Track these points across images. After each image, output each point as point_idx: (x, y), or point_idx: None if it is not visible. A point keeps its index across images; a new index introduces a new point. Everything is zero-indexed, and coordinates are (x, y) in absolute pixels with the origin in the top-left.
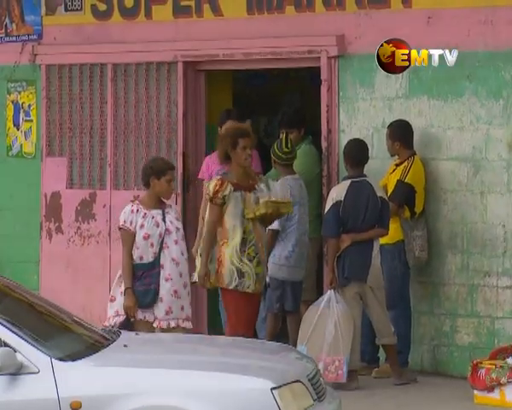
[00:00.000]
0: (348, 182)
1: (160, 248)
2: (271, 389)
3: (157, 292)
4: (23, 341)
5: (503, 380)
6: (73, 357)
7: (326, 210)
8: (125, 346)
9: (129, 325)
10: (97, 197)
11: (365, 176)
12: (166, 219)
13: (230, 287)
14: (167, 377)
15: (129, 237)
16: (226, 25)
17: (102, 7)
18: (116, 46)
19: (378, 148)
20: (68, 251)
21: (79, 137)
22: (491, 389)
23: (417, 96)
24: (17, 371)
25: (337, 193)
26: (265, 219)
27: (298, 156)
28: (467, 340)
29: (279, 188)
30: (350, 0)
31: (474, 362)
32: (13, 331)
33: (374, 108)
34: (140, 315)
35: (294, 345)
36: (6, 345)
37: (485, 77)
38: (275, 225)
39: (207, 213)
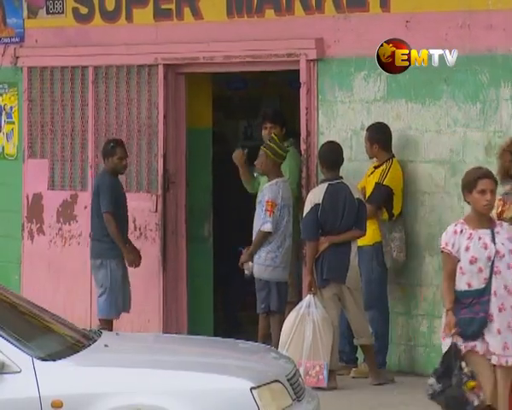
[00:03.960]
0: (325, 185)
1: (491, 273)
2: (251, 388)
3: (485, 322)
4: (5, 341)
5: None
6: (55, 357)
7: (304, 213)
8: (105, 346)
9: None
10: (78, 199)
11: (341, 178)
12: (496, 240)
13: None
14: (147, 376)
15: (449, 261)
16: (206, 28)
17: (84, 10)
18: (97, 49)
19: (357, 150)
20: (49, 252)
21: (61, 138)
22: None
23: (395, 99)
24: None
25: (315, 196)
26: None
27: (286, 159)
28: None
29: (268, 191)
30: (329, 4)
31: None
32: None
33: (352, 110)
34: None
35: (277, 346)
36: None
37: (462, 80)
38: (267, 227)
39: None
